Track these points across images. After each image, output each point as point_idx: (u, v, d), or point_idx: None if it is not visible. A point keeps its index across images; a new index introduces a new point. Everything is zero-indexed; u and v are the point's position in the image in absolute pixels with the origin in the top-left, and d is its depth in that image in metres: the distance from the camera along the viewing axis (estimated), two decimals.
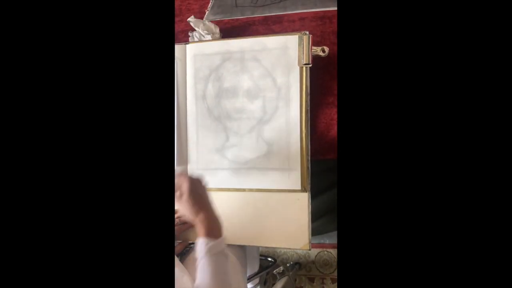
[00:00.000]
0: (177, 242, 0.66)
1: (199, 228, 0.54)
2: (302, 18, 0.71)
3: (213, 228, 0.54)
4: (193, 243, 0.69)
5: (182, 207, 0.55)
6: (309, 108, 0.63)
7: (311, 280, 1.28)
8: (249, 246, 0.78)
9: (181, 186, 0.56)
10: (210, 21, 0.73)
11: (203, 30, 0.71)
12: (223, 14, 0.76)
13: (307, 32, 0.62)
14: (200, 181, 0.58)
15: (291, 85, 0.63)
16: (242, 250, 0.73)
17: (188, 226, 0.66)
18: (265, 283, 1.09)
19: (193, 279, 0.58)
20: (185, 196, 0.55)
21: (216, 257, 0.51)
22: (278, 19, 0.73)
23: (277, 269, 1.15)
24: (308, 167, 0.63)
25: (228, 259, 0.54)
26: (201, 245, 0.52)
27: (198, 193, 0.57)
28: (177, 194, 0.56)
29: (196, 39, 0.72)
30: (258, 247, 0.93)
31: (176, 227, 0.66)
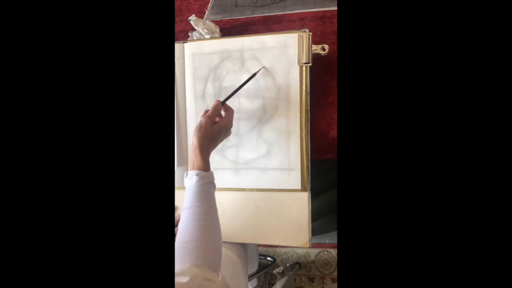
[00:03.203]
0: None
1: (197, 159, 0.54)
2: (302, 18, 0.71)
3: (207, 164, 0.55)
4: None
5: (206, 131, 0.55)
6: (309, 108, 0.62)
7: (311, 280, 1.28)
8: (249, 246, 0.78)
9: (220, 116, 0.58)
10: (210, 21, 0.73)
11: (203, 30, 0.71)
12: (223, 14, 0.76)
13: (307, 30, 0.62)
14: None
15: (291, 84, 0.63)
16: (243, 248, 0.73)
17: None
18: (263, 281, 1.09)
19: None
20: (219, 131, 0.56)
21: (205, 186, 0.53)
22: (278, 19, 0.73)
23: (277, 269, 1.16)
24: (308, 167, 0.63)
25: (215, 188, 0.56)
26: (191, 176, 0.53)
27: (226, 135, 0.59)
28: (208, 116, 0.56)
29: (196, 39, 0.72)
30: (257, 247, 0.93)
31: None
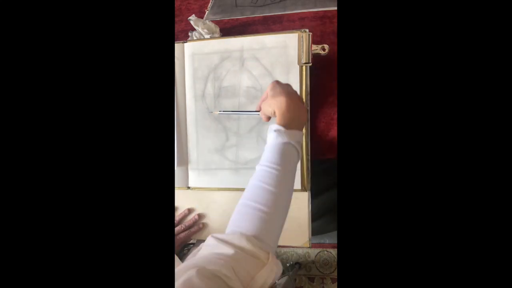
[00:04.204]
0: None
1: (279, 114, 0.47)
2: (302, 18, 0.71)
3: (291, 119, 0.48)
4: (192, 244, 0.69)
5: (283, 87, 0.50)
6: (309, 108, 0.62)
7: (311, 280, 1.28)
8: None
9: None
10: (210, 21, 0.73)
11: (203, 30, 0.71)
12: (223, 14, 0.76)
13: (307, 30, 0.62)
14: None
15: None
16: None
17: (194, 231, 0.67)
18: None
19: None
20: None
21: (284, 146, 0.46)
22: (278, 19, 0.73)
23: None
24: (308, 167, 0.63)
25: (299, 155, 0.48)
26: (270, 130, 0.47)
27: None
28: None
29: (196, 39, 0.72)
30: None
31: (182, 234, 0.66)
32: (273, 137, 0.46)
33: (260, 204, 0.41)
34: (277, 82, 0.52)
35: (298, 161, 0.48)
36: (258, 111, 0.57)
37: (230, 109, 0.66)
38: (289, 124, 0.47)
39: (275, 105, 0.49)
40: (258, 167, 0.45)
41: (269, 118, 0.55)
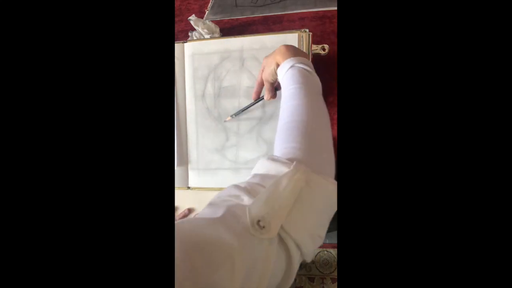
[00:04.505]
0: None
1: (285, 51, 0.47)
2: (302, 18, 0.72)
3: (300, 53, 0.48)
4: None
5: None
6: None
7: (311, 280, 1.28)
8: None
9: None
10: (210, 21, 0.73)
11: (203, 30, 0.71)
12: (223, 14, 0.76)
13: (307, 30, 0.62)
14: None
15: None
16: None
17: None
18: None
19: None
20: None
21: (301, 71, 0.44)
22: (278, 19, 0.73)
23: None
24: None
25: (318, 81, 0.46)
26: (283, 64, 0.45)
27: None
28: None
29: (196, 39, 0.72)
30: None
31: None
32: (288, 66, 0.44)
33: (299, 120, 0.37)
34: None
35: (320, 88, 0.45)
36: (263, 97, 0.58)
37: (230, 109, 0.66)
38: (296, 54, 0.46)
39: (273, 56, 0.48)
40: (283, 105, 0.42)
41: (274, 92, 0.54)
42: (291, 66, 0.45)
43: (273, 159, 0.35)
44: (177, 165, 0.68)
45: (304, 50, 0.62)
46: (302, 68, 0.45)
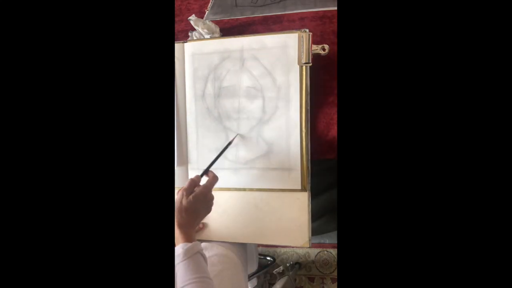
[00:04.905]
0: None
1: (179, 234, 0.55)
2: (302, 18, 0.71)
3: (191, 236, 0.55)
4: None
5: (179, 206, 0.55)
6: (309, 108, 0.62)
7: (311, 280, 1.28)
8: (249, 245, 0.78)
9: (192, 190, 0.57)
10: (210, 21, 0.73)
11: (203, 30, 0.71)
12: (223, 14, 0.76)
13: (307, 30, 0.62)
14: (211, 200, 0.59)
15: (291, 84, 0.63)
16: (243, 248, 0.73)
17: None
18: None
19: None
20: (193, 202, 0.56)
21: (195, 257, 0.52)
22: (278, 19, 0.73)
23: (277, 269, 1.16)
24: (308, 167, 0.63)
25: (204, 259, 0.55)
26: (177, 252, 0.53)
27: (204, 206, 0.58)
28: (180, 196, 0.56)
29: (196, 39, 0.72)
30: (256, 247, 0.93)
31: None
32: (182, 255, 0.52)
33: None
34: (197, 195, 0.57)
35: (207, 265, 0.55)
36: (231, 142, 0.65)
37: (230, 109, 0.66)
38: (191, 239, 0.54)
39: (178, 218, 0.55)
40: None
41: None
42: (182, 256, 0.52)
43: None
44: (177, 165, 0.68)
45: (304, 50, 0.62)
46: (198, 254, 0.53)
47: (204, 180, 0.60)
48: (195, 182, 0.58)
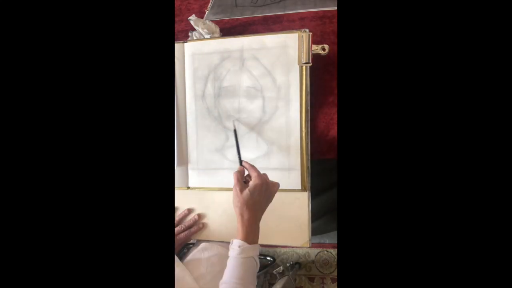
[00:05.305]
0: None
1: (240, 229, 0.53)
2: (302, 18, 0.71)
3: (252, 234, 0.53)
4: (192, 244, 0.69)
5: (240, 200, 0.53)
6: (309, 108, 0.62)
7: (311, 280, 1.28)
8: None
9: (258, 180, 0.54)
10: (210, 21, 0.73)
11: (203, 30, 0.71)
12: (223, 14, 0.76)
13: (307, 30, 0.62)
14: (275, 187, 0.57)
15: (291, 84, 0.63)
16: None
17: (194, 231, 0.67)
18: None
19: (194, 278, 0.57)
20: (255, 192, 0.53)
21: (249, 260, 0.51)
22: (278, 19, 0.73)
23: (277, 269, 1.15)
24: (308, 167, 0.63)
25: (257, 265, 0.54)
26: (235, 245, 0.52)
27: (266, 195, 0.55)
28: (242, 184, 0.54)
29: (196, 39, 0.72)
30: None
31: (182, 234, 0.66)
32: (236, 252, 0.51)
33: None
34: (255, 187, 0.54)
35: (257, 270, 0.54)
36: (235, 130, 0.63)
37: (230, 109, 0.66)
38: (251, 239, 0.52)
39: (239, 213, 0.53)
40: (223, 286, 0.50)
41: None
42: (245, 255, 0.51)
43: None
44: (177, 165, 0.68)
45: (304, 50, 0.62)
46: (252, 258, 0.52)
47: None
48: (242, 173, 0.56)
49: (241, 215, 0.53)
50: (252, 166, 0.57)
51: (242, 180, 0.55)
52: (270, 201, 0.56)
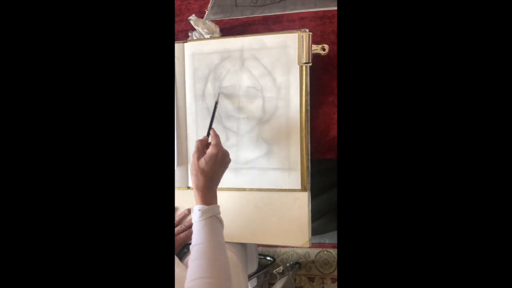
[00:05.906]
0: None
1: (197, 194, 0.55)
2: (302, 18, 0.71)
3: (210, 197, 0.55)
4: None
5: (195, 168, 0.55)
6: (309, 108, 0.62)
7: (311, 280, 1.28)
8: (249, 245, 0.78)
9: (211, 151, 0.56)
10: (210, 20, 0.73)
11: (203, 30, 0.71)
12: (223, 14, 0.76)
13: (307, 30, 0.62)
14: (227, 156, 0.58)
15: (291, 84, 0.63)
16: (243, 249, 0.73)
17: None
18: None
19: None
20: (210, 161, 0.55)
21: (210, 219, 0.53)
22: (278, 19, 0.73)
23: (277, 269, 1.16)
24: (308, 167, 0.63)
25: (222, 223, 0.55)
26: (195, 210, 0.54)
27: (222, 164, 0.57)
28: (196, 155, 0.56)
29: (196, 39, 0.72)
30: (256, 247, 0.93)
31: (182, 234, 0.66)
32: (198, 215, 0.53)
33: (204, 276, 0.47)
34: (210, 156, 0.56)
35: (222, 228, 0.55)
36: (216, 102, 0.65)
37: (231, 109, 0.66)
38: (209, 201, 0.55)
39: (194, 180, 0.55)
40: (193, 249, 0.51)
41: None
42: (206, 216, 0.53)
43: None
44: (177, 165, 0.68)
45: (304, 50, 0.62)
46: (214, 217, 0.54)
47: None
48: (203, 143, 0.57)
49: (197, 182, 0.54)
50: (216, 136, 0.58)
51: (203, 150, 0.57)
52: (226, 168, 0.58)
